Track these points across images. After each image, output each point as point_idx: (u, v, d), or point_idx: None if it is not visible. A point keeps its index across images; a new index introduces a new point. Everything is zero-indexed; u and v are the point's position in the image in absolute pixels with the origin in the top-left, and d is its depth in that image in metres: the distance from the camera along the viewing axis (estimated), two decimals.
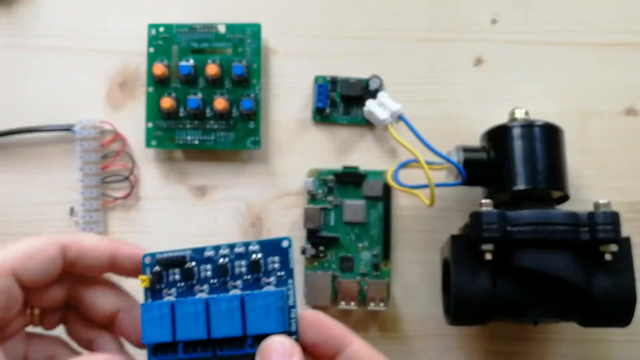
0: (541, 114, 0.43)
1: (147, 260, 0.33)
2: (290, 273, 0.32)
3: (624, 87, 0.47)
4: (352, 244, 0.45)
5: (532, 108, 0.43)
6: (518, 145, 0.41)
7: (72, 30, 0.48)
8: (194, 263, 0.33)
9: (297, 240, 0.46)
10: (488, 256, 0.38)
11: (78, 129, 0.46)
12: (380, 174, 0.45)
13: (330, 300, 0.44)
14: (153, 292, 0.33)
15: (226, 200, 0.47)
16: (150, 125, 0.46)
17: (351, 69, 0.47)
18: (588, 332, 0.44)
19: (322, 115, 0.47)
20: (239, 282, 0.32)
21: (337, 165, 0.46)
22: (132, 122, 0.47)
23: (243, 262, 0.32)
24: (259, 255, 0.32)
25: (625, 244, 0.39)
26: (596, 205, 0.39)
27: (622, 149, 0.46)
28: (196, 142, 0.46)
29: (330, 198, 0.46)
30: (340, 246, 0.45)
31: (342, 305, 0.44)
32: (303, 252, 0.45)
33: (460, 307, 0.39)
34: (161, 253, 0.33)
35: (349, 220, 0.45)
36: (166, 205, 0.47)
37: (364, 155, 0.47)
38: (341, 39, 0.47)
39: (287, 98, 0.47)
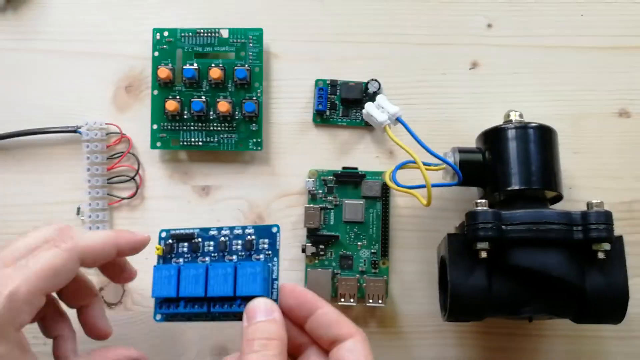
0: (535, 116, 0.43)
1: (163, 234, 0.41)
2: (276, 253, 0.39)
3: (617, 89, 0.47)
4: (351, 243, 0.46)
5: (526, 110, 0.44)
6: (512, 146, 0.41)
7: (79, 34, 0.49)
8: (200, 239, 0.40)
9: (298, 238, 0.47)
10: (483, 254, 0.38)
11: (85, 131, 0.47)
12: (378, 174, 0.46)
13: (331, 297, 0.45)
14: (164, 259, 0.41)
15: (229, 199, 0.47)
16: (155, 127, 0.47)
17: (350, 73, 0.47)
18: (581, 328, 0.44)
19: (322, 118, 0.47)
20: (234, 257, 0.40)
21: (336, 166, 0.47)
22: (137, 124, 0.47)
23: (239, 241, 0.40)
24: (253, 237, 0.40)
25: (617, 243, 0.39)
26: (589, 205, 0.39)
27: (615, 150, 0.47)
28: (200, 143, 0.47)
29: (330, 198, 0.46)
30: (340, 244, 0.46)
31: (342, 301, 0.45)
32: (303, 250, 0.45)
33: (456, 304, 0.39)
34: (175, 230, 0.41)
35: (348, 219, 0.46)
36: (170, 205, 0.47)
37: (363, 156, 0.47)
38: (341, 43, 0.48)
39: (288, 101, 0.48)
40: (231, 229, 0.40)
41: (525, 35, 0.48)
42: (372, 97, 0.46)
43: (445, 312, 0.41)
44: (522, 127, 0.42)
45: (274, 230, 0.40)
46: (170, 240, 0.41)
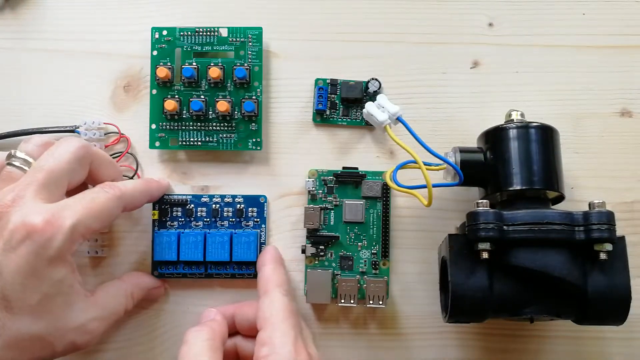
0: (537, 116, 0.43)
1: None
2: (264, 220, 0.46)
3: (619, 89, 0.47)
4: (351, 243, 0.46)
5: (528, 110, 0.44)
6: (514, 146, 0.41)
7: (77, 33, 0.48)
8: (192, 205, 0.46)
9: (298, 239, 0.46)
10: (484, 255, 0.38)
11: (83, 131, 0.46)
12: (379, 174, 0.46)
13: (331, 298, 0.45)
14: (160, 222, 0.46)
15: None
16: (153, 126, 0.47)
17: (350, 72, 0.47)
18: (583, 329, 0.44)
19: (322, 117, 0.47)
20: (225, 223, 0.46)
21: (336, 166, 0.47)
22: (136, 123, 0.47)
23: (230, 209, 0.46)
24: (243, 205, 0.46)
25: (619, 243, 0.39)
26: (591, 205, 0.39)
27: (617, 150, 0.47)
28: (199, 143, 0.46)
29: (330, 198, 0.46)
30: (340, 245, 0.46)
31: (342, 302, 0.44)
32: (303, 251, 0.45)
33: (457, 305, 0.39)
34: (169, 195, 0.46)
35: (348, 219, 0.46)
36: None
37: (363, 156, 0.47)
38: (341, 42, 0.48)
39: (288, 100, 0.48)
40: (222, 197, 0.46)
41: (526, 34, 0.48)
42: (372, 97, 0.46)
43: (446, 313, 0.41)
44: (524, 127, 0.42)
45: (262, 200, 0.46)
46: (165, 206, 0.46)
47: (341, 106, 0.47)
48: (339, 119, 0.47)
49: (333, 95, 0.47)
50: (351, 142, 0.47)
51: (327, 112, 0.47)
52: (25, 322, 0.34)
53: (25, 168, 0.38)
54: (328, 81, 0.47)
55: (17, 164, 0.39)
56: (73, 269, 0.36)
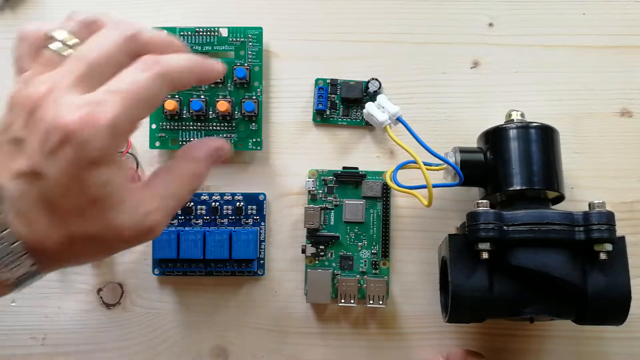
0: (537, 116, 0.43)
1: None
2: (263, 218, 0.46)
3: (619, 88, 0.47)
4: (351, 243, 0.46)
5: (528, 110, 0.44)
6: (514, 146, 0.41)
7: None
8: (192, 203, 0.46)
9: (298, 239, 0.47)
10: (485, 255, 0.38)
11: None
12: (379, 174, 0.46)
13: (331, 298, 0.45)
14: None
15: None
16: (153, 126, 0.47)
17: (351, 72, 0.47)
18: (583, 329, 0.44)
19: (322, 117, 0.47)
20: (225, 220, 0.46)
21: (337, 166, 0.47)
22: None
23: (230, 207, 0.46)
24: (242, 203, 0.46)
25: (619, 244, 0.39)
26: (591, 205, 0.39)
27: (617, 150, 0.47)
28: None
29: (330, 198, 0.46)
30: (340, 245, 0.46)
31: (342, 302, 0.45)
32: (303, 250, 0.45)
33: (457, 305, 0.39)
34: None
35: (348, 219, 0.46)
36: None
37: (364, 156, 0.47)
38: (341, 42, 0.48)
39: (288, 100, 0.48)
40: (222, 194, 0.46)
41: (526, 34, 0.48)
42: (372, 97, 0.46)
43: (446, 313, 0.41)
44: (524, 127, 0.42)
45: (261, 197, 0.46)
46: None
47: (341, 106, 0.47)
48: (339, 119, 0.47)
49: (333, 95, 0.47)
50: (351, 142, 0.47)
51: (327, 112, 0.47)
52: (76, 224, 0.32)
53: (64, 54, 0.34)
54: (328, 81, 0.47)
55: (55, 47, 0.34)
56: (119, 167, 0.33)
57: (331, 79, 0.47)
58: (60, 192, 0.31)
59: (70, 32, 0.34)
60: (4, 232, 0.31)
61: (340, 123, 0.47)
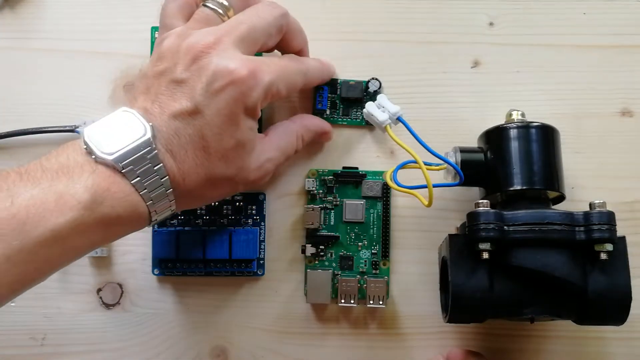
0: (537, 116, 0.43)
1: None
2: (263, 218, 0.46)
3: (619, 88, 0.47)
4: (351, 243, 0.46)
5: (528, 109, 0.44)
6: (514, 146, 0.41)
7: (76, 32, 0.48)
8: None
9: (298, 239, 0.46)
10: (485, 255, 0.38)
11: (82, 130, 0.46)
12: (379, 174, 0.46)
13: (331, 298, 0.45)
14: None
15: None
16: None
17: (351, 72, 0.47)
18: (584, 329, 0.44)
19: (322, 117, 0.47)
20: (225, 220, 0.46)
21: (336, 166, 0.47)
22: None
23: (229, 206, 0.46)
24: (242, 203, 0.46)
25: (620, 244, 0.39)
26: (591, 205, 0.39)
27: (617, 150, 0.47)
28: None
29: (330, 198, 0.46)
30: (340, 245, 0.46)
31: (342, 302, 0.45)
32: (303, 250, 0.45)
33: (457, 305, 0.39)
34: None
35: (348, 219, 0.45)
36: None
37: (363, 156, 0.47)
38: (341, 42, 0.48)
39: (288, 100, 0.47)
40: None
41: (527, 33, 0.48)
42: (373, 96, 0.46)
43: (446, 313, 0.41)
44: (524, 127, 0.42)
45: (261, 197, 0.46)
46: None
47: (341, 106, 0.47)
48: (339, 119, 0.47)
49: (333, 95, 0.47)
50: (351, 141, 0.47)
51: (327, 112, 0.47)
52: (219, 164, 0.36)
53: (222, 12, 0.39)
54: (328, 81, 0.47)
55: (213, 6, 0.39)
56: (256, 125, 0.38)
57: (331, 79, 0.47)
58: (214, 130, 0.35)
59: None
60: (157, 167, 0.34)
61: (340, 123, 0.47)
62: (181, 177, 0.35)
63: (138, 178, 0.34)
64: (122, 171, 0.33)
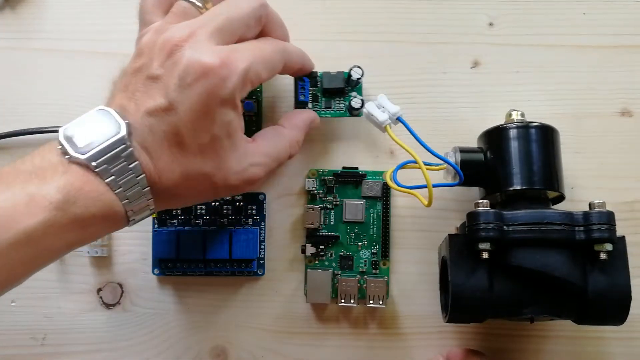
0: (537, 116, 0.43)
1: None
2: (263, 218, 0.46)
3: (619, 88, 0.47)
4: (351, 243, 0.46)
5: (528, 109, 0.44)
6: (514, 146, 0.41)
7: (77, 32, 0.48)
8: None
9: (298, 239, 0.46)
10: (485, 255, 0.38)
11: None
12: (379, 174, 0.46)
13: (331, 298, 0.45)
14: (160, 221, 0.46)
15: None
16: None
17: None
18: (583, 329, 0.44)
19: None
20: (225, 220, 0.46)
21: (337, 165, 0.47)
22: None
23: (230, 206, 0.46)
24: (242, 203, 0.46)
25: (620, 243, 0.39)
26: (591, 205, 0.39)
27: (617, 150, 0.47)
28: None
29: (330, 198, 0.46)
30: (340, 245, 0.46)
31: (342, 302, 0.45)
32: (303, 250, 0.45)
33: (457, 305, 0.39)
34: None
35: (348, 219, 0.45)
36: None
37: (363, 156, 0.47)
38: (341, 42, 0.48)
39: (288, 100, 0.47)
40: None
41: (526, 34, 0.48)
42: (355, 85, 0.45)
43: (446, 313, 0.41)
44: (524, 127, 0.42)
45: (261, 197, 0.46)
46: None
47: (323, 98, 0.45)
48: (322, 112, 0.45)
49: (314, 89, 0.45)
50: (351, 141, 0.47)
51: (310, 105, 0.45)
52: (196, 161, 0.35)
53: (199, 4, 0.38)
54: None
55: None
56: (239, 115, 0.37)
57: (311, 72, 0.45)
58: (188, 125, 0.34)
59: None
60: (132, 164, 0.34)
61: (323, 116, 0.45)
62: (157, 175, 0.35)
63: (112, 177, 0.33)
64: (96, 170, 0.33)
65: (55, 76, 0.48)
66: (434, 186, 0.40)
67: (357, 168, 0.46)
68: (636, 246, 0.44)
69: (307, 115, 0.43)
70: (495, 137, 0.42)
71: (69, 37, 0.48)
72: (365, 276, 0.45)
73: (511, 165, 0.41)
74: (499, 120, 0.43)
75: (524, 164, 0.41)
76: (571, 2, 0.48)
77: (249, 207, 0.46)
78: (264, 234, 0.46)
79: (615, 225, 0.38)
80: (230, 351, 0.46)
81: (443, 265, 0.42)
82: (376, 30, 0.48)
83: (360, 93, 0.45)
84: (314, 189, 0.46)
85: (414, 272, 0.46)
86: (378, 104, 0.43)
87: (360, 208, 0.46)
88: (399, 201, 0.46)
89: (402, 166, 0.41)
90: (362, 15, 0.48)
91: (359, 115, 0.44)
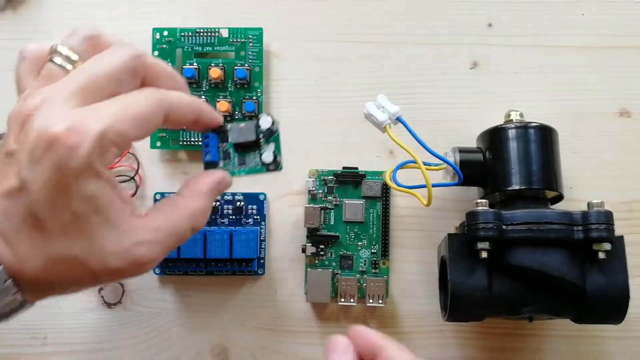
0: (536, 116, 0.43)
1: (157, 197, 0.46)
2: (263, 217, 0.46)
3: (618, 89, 0.47)
4: (351, 243, 0.46)
5: (527, 110, 0.44)
6: (513, 146, 0.41)
7: None
8: None
9: (298, 238, 0.47)
10: (484, 254, 0.38)
11: None
12: (379, 174, 0.46)
13: (331, 297, 0.45)
14: None
15: None
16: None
17: (351, 72, 0.48)
18: (582, 328, 0.44)
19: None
20: (225, 220, 0.46)
21: (336, 165, 0.47)
22: None
23: (230, 206, 0.46)
24: (242, 203, 0.46)
25: (618, 243, 0.39)
26: (589, 205, 0.39)
27: (616, 150, 0.47)
28: (199, 143, 0.46)
29: (330, 198, 0.46)
30: (340, 244, 0.46)
31: (342, 302, 0.45)
32: (303, 250, 0.45)
33: (456, 304, 0.39)
34: (168, 193, 0.45)
35: (348, 219, 0.46)
36: None
37: (363, 156, 0.47)
38: (341, 42, 0.48)
39: (288, 100, 0.48)
40: (222, 194, 0.45)
41: (525, 34, 0.48)
42: (270, 135, 0.38)
43: (445, 312, 0.41)
44: (523, 127, 0.42)
45: (261, 197, 0.46)
46: None
47: (236, 154, 0.38)
48: (236, 170, 0.38)
49: (224, 144, 0.38)
50: (351, 141, 0.47)
51: (221, 164, 0.38)
52: (59, 244, 0.30)
53: (68, 67, 0.33)
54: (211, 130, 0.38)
55: (58, 61, 0.33)
56: (111, 184, 0.31)
57: (220, 126, 0.37)
58: (44, 205, 0.30)
59: (72, 47, 0.33)
60: None
61: (238, 174, 0.38)
62: (18, 264, 0.30)
63: None
64: None
65: None
66: (434, 186, 0.40)
67: (357, 168, 0.46)
68: (634, 246, 0.44)
69: (212, 178, 0.36)
70: (494, 137, 0.42)
71: None
72: (365, 275, 0.45)
73: (510, 165, 0.41)
74: (498, 121, 0.44)
75: (522, 164, 0.41)
76: (570, 2, 0.48)
77: (250, 206, 0.46)
78: (265, 233, 0.46)
79: (613, 224, 0.38)
80: (231, 350, 0.46)
81: (442, 265, 0.42)
82: (376, 31, 0.48)
83: (278, 143, 0.38)
84: (314, 188, 0.46)
85: (413, 272, 0.46)
86: (378, 104, 0.42)
87: (360, 208, 0.46)
88: (399, 201, 0.47)
89: (402, 166, 0.41)
90: (362, 16, 0.48)
91: (278, 169, 0.38)
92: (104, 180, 0.30)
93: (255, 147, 0.38)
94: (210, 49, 0.47)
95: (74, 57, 0.33)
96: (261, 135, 0.38)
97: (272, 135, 0.38)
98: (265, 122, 0.37)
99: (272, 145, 0.38)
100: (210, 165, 0.38)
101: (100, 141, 0.30)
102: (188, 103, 0.35)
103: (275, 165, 0.38)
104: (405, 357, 0.33)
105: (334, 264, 0.46)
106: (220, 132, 0.37)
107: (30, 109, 0.31)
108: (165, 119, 0.33)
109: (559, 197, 0.42)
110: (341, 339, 0.33)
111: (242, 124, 0.38)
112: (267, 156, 0.37)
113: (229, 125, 0.38)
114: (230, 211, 0.46)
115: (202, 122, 0.36)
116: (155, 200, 0.46)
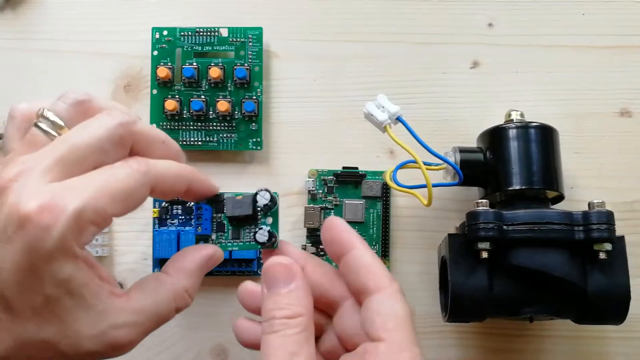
0: (537, 116, 0.43)
1: (156, 204, 0.45)
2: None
3: (618, 88, 0.47)
4: None
5: (527, 110, 0.44)
6: (514, 146, 0.41)
7: (78, 33, 0.48)
8: (192, 203, 0.44)
9: (298, 238, 0.46)
10: (484, 255, 0.38)
11: None
12: (379, 174, 0.46)
13: None
14: (160, 220, 0.46)
15: None
16: (154, 126, 0.47)
17: (351, 72, 0.48)
18: (583, 329, 0.44)
19: (207, 243, 0.38)
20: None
21: (336, 165, 0.47)
22: None
23: None
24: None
25: (619, 243, 0.39)
26: (590, 205, 0.39)
27: (617, 150, 0.47)
28: (199, 143, 0.47)
29: (330, 198, 0.46)
30: None
31: None
32: (304, 250, 0.46)
33: (457, 305, 0.39)
34: None
35: (348, 219, 0.45)
36: None
37: (363, 156, 0.47)
38: (341, 42, 0.48)
39: (288, 100, 0.48)
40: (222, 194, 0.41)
41: (526, 34, 0.48)
42: (268, 210, 0.37)
43: (445, 313, 0.41)
44: (523, 127, 0.42)
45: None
46: (165, 203, 0.45)
47: (230, 228, 0.37)
48: (229, 244, 0.37)
49: (218, 216, 0.37)
50: (351, 141, 0.47)
51: (213, 237, 0.37)
52: (30, 327, 0.29)
53: (53, 133, 0.31)
54: (205, 201, 0.37)
55: (43, 126, 0.31)
56: (88, 264, 0.29)
57: (215, 196, 0.36)
58: (13, 287, 0.28)
59: (59, 112, 0.32)
60: None
61: (230, 248, 0.37)
62: None
63: None
64: None
65: (55, 76, 0.48)
66: (434, 186, 0.40)
67: (357, 168, 0.46)
68: (635, 246, 0.44)
69: (200, 254, 0.34)
70: (494, 137, 0.42)
71: (69, 37, 0.48)
72: None
73: (510, 165, 0.41)
74: (499, 120, 0.44)
75: (523, 164, 0.41)
76: (570, 2, 0.48)
77: None
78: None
79: (614, 224, 0.38)
80: (231, 350, 0.46)
81: (443, 265, 0.42)
82: (376, 30, 0.48)
83: (276, 218, 0.37)
84: (314, 188, 0.46)
85: (413, 272, 0.46)
86: (378, 103, 0.42)
87: (360, 208, 0.46)
88: (399, 201, 0.46)
89: (402, 166, 0.41)
90: (362, 16, 0.48)
91: (273, 246, 0.36)
92: (80, 261, 0.29)
93: (252, 221, 0.36)
94: (210, 48, 0.47)
95: (60, 123, 0.31)
96: (259, 209, 0.36)
97: (270, 210, 0.37)
98: (262, 199, 0.36)
99: (269, 220, 0.36)
100: (201, 238, 0.36)
101: (76, 220, 0.28)
102: (177, 174, 0.33)
103: (271, 244, 0.36)
104: (376, 259, 0.33)
105: (334, 264, 0.46)
106: (215, 203, 0.36)
107: (6, 181, 0.29)
108: (152, 191, 0.32)
109: (560, 197, 0.42)
110: (280, 263, 0.32)
111: (239, 196, 0.36)
112: (261, 235, 0.35)
113: (225, 196, 0.36)
114: None
115: (195, 193, 0.34)
116: (154, 204, 0.45)
